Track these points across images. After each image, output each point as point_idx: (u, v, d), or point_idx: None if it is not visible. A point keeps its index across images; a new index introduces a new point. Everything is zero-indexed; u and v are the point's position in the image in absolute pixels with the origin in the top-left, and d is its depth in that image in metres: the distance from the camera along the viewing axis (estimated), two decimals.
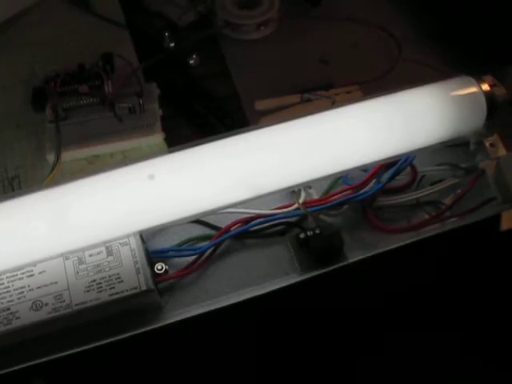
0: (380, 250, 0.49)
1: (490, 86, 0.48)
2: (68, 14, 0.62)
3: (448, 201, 0.51)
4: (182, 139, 0.55)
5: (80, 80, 0.54)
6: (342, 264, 0.48)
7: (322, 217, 0.50)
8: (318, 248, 0.47)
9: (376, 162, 0.48)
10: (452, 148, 0.52)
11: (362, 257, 0.48)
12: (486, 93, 0.48)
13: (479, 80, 0.48)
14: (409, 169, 0.51)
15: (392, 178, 0.49)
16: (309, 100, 0.55)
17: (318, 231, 0.47)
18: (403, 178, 0.51)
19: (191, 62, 0.59)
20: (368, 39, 0.62)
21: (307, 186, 0.49)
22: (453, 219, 0.50)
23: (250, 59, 0.60)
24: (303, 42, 0.61)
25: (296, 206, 0.47)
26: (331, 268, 0.47)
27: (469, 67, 0.59)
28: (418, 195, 0.50)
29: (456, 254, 0.51)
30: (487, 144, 0.50)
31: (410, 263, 0.50)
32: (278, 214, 0.47)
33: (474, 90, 0.48)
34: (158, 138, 0.53)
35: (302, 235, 0.47)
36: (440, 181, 0.51)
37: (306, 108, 0.54)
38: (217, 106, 0.56)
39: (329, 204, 0.49)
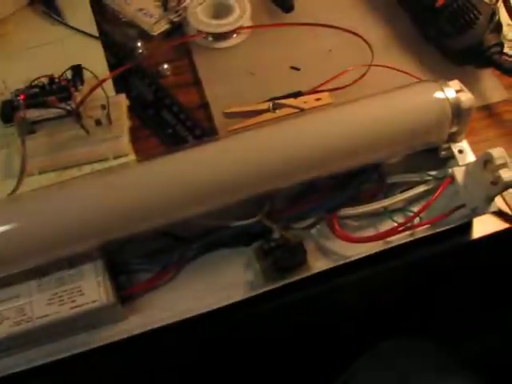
0: (346, 260, 0.48)
1: (457, 91, 0.47)
2: (41, 25, 0.62)
3: (418, 208, 0.50)
4: (151, 150, 0.55)
5: (49, 92, 0.54)
6: (305, 275, 0.47)
7: (289, 226, 0.49)
8: (281, 259, 0.47)
9: (342, 170, 0.48)
10: (423, 154, 0.51)
11: (327, 267, 0.48)
12: (451, 98, 0.47)
13: (445, 85, 0.47)
14: (376, 177, 0.50)
15: (358, 186, 0.49)
16: (278, 108, 0.54)
17: (281, 242, 0.47)
18: (371, 187, 0.50)
19: (163, 71, 0.59)
20: (341, 45, 0.61)
21: (274, 195, 0.49)
22: (422, 227, 0.49)
23: (221, 68, 0.59)
24: (276, 49, 0.60)
25: (258, 217, 0.46)
26: (294, 279, 0.47)
27: (443, 71, 0.59)
28: (386, 203, 0.50)
29: (426, 261, 0.50)
30: (456, 150, 0.50)
31: (379, 272, 0.49)
32: (242, 224, 0.47)
33: (438, 95, 0.47)
34: (125, 150, 0.53)
35: (265, 246, 0.47)
36: (410, 188, 0.51)
37: (274, 116, 0.54)
38: (186, 115, 0.56)
39: (293, 214, 0.48)
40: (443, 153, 0.50)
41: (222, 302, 0.46)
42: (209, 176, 0.44)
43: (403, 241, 0.49)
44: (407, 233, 0.49)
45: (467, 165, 0.49)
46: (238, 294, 0.47)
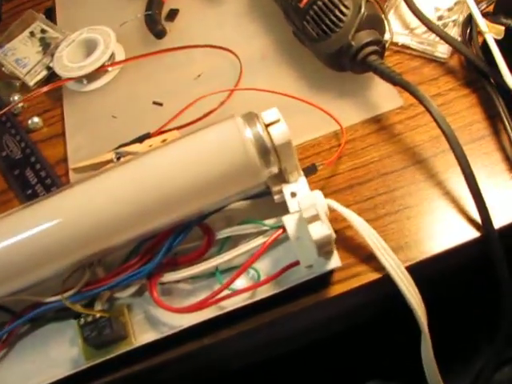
0: (171, 332, 0.42)
1: (269, 124, 0.39)
2: None
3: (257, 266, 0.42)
4: None
5: None
6: (124, 350, 0.42)
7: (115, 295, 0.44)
8: (89, 337, 0.42)
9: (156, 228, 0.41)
10: (263, 200, 0.43)
11: (151, 340, 0.42)
12: (254, 136, 0.38)
13: (250, 121, 0.39)
14: (201, 233, 0.43)
15: (172, 245, 0.42)
16: (122, 156, 0.49)
17: (96, 317, 0.42)
18: (198, 244, 0.43)
19: (33, 125, 0.56)
20: (214, 67, 0.53)
21: (97, 261, 0.44)
22: (260, 288, 0.41)
23: (85, 113, 0.54)
24: (142, 84, 0.54)
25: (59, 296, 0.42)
26: (111, 356, 0.42)
27: (325, 79, 0.49)
28: (218, 261, 0.42)
29: (267, 326, 0.42)
30: (287, 193, 0.41)
31: (216, 340, 0.42)
32: (48, 302, 0.43)
33: (237, 135, 0.38)
34: None
35: (81, 322, 0.43)
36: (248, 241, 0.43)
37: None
38: (47, 173, 0.53)
39: (113, 283, 0.43)
40: (276, 197, 0.41)
41: (47, 381, 0.43)
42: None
43: (241, 304, 0.41)
44: (245, 295, 0.41)
45: (299, 212, 0.40)
46: (59, 372, 0.43)
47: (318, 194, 0.41)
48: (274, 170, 0.39)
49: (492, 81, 0.44)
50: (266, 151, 0.38)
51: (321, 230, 0.35)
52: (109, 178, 0.41)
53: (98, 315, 0.42)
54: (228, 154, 0.38)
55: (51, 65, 0.58)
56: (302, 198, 0.37)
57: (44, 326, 0.46)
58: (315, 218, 0.36)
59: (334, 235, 0.38)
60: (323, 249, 0.37)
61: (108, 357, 0.42)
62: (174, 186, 0.39)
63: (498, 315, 0.42)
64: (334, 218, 0.42)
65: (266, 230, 0.42)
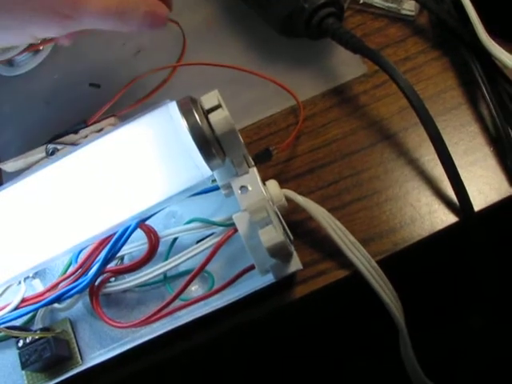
0: (122, 349, 0.37)
1: (209, 110, 0.33)
2: None
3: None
4: None
5: None
6: (70, 373, 0.38)
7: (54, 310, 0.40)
8: (32, 360, 0.37)
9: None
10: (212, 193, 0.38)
11: (97, 362, 0.38)
12: (191, 126, 0.33)
13: (187, 107, 0.33)
14: (144, 235, 0.38)
15: (111, 252, 0.37)
16: (55, 152, 0.43)
17: (34, 339, 0.38)
18: (142, 248, 0.38)
19: None
20: (155, 40, 0.47)
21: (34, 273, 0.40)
22: (213, 297, 0.37)
23: (16, 101, 0.48)
24: (79, 63, 0.48)
25: None
26: (59, 378, 0.38)
27: (280, 47, 0.44)
28: (165, 268, 0.38)
29: (223, 341, 0.38)
30: (236, 187, 0.35)
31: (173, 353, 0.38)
32: None
33: (172, 124, 0.33)
34: None
35: (19, 343, 0.38)
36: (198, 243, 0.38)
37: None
38: None
39: (44, 301, 0.38)
40: (225, 192, 0.36)
41: None
42: None
43: (195, 315, 0.37)
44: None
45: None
46: None
47: (273, 184, 0.36)
48: (219, 163, 0.34)
49: (466, 41, 0.39)
50: (207, 143, 0.33)
51: (273, 236, 0.30)
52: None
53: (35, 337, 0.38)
54: (161, 150, 0.33)
55: None
56: (251, 196, 0.32)
57: None
58: (266, 221, 0.31)
59: (291, 237, 0.33)
60: (277, 255, 0.32)
61: (53, 381, 0.38)
62: (101, 191, 0.34)
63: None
64: (294, 207, 0.37)
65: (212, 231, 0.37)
